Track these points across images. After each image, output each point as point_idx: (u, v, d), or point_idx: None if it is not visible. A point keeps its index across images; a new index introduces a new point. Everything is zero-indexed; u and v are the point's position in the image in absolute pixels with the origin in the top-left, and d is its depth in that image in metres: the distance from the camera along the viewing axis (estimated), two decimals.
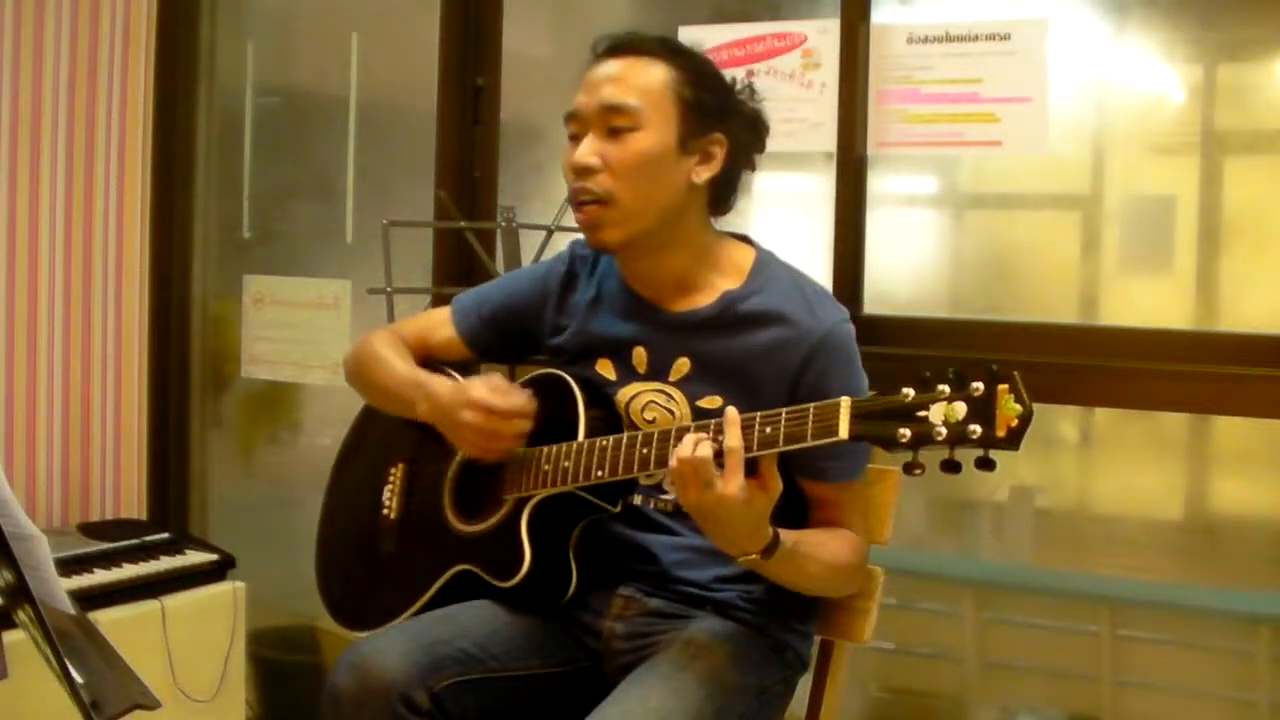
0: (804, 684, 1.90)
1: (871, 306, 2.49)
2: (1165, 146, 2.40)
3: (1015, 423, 1.42)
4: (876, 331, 2.39)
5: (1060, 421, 2.51)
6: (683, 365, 1.80)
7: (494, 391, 1.77)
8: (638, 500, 1.83)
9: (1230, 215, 2.33)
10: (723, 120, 1.78)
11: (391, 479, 1.98)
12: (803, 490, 1.77)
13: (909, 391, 1.47)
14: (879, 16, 2.46)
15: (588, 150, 1.74)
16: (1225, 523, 2.49)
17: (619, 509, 1.81)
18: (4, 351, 2.94)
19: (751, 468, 1.55)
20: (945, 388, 1.46)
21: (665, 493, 1.82)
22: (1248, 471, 2.45)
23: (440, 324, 2.03)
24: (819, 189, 2.50)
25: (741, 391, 1.75)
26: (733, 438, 1.54)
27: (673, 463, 1.57)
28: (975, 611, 2.59)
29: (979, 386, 1.44)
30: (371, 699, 1.65)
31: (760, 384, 1.75)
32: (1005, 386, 1.43)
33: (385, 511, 1.97)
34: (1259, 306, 2.30)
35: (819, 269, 2.40)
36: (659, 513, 1.83)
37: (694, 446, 1.55)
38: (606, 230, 1.76)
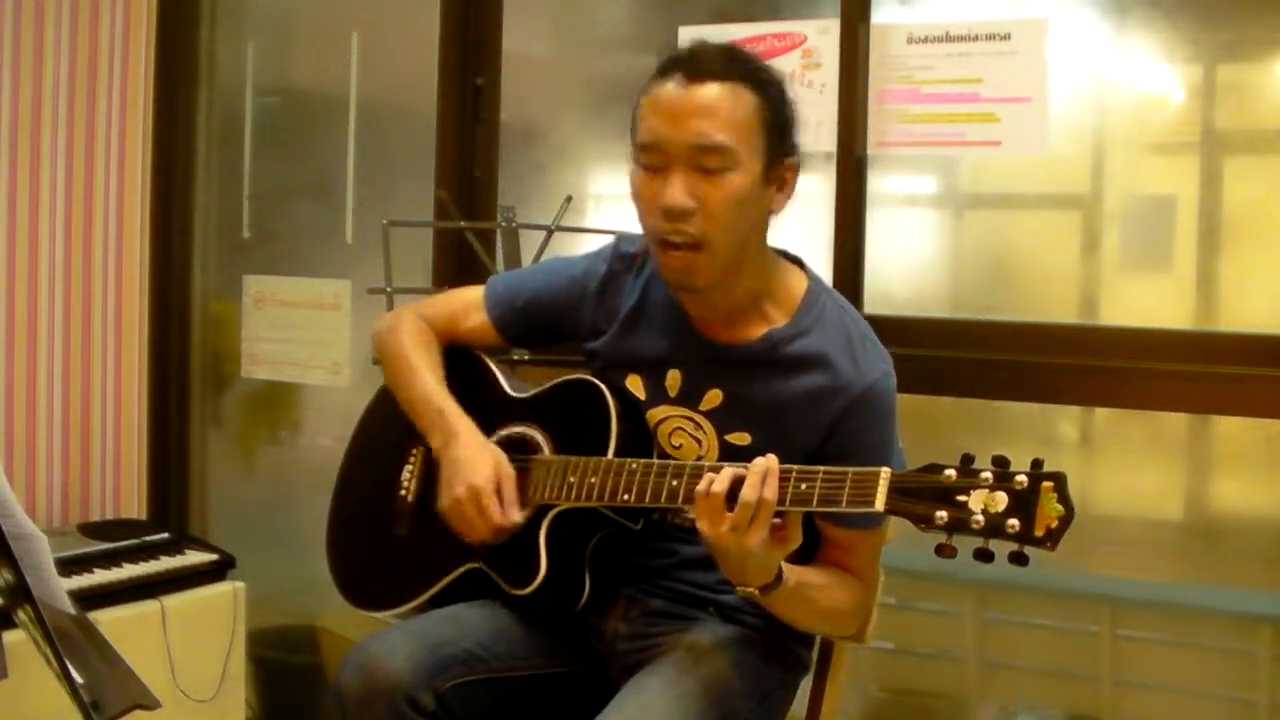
0: (804, 684, 1.90)
1: (871, 306, 2.48)
2: (1165, 146, 2.40)
3: (1055, 523, 1.40)
4: (876, 331, 2.38)
5: (1060, 421, 2.51)
6: (715, 397, 1.76)
7: (497, 492, 1.73)
8: (655, 514, 1.81)
9: (1230, 215, 2.33)
10: (792, 139, 1.71)
11: (412, 459, 1.95)
12: (816, 526, 1.73)
13: (951, 473, 1.46)
14: (879, 16, 2.46)
15: (683, 191, 1.64)
16: (1225, 523, 2.49)
17: (640, 526, 1.80)
18: (4, 351, 2.94)
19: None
20: (988, 475, 1.44)
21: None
22: (1248, 471, 2.45)
23: (472, 308, 1.97)
24: (819, 189, 2.50)
25: (772, 433, 1.72)
26: (769, 489, 1.51)
27: (701, 487, 1.53)
28: (975, 611, 2.59)
29: (1023, 480, 1.42)
30: (377, 699, 1.65)
31: (792, 429, 1.71)
32: (1050, 484, 1.41)
33: (403, 493, 1.94)
34: (1259, 306, 2.30)
35: (819, 269, 2.39)
36: (675, 526, 1.81)
37: (728, 483, 1.52)
38: (699, 276, 1.69)
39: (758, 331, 1.75)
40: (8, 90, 2.90)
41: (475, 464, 1.75)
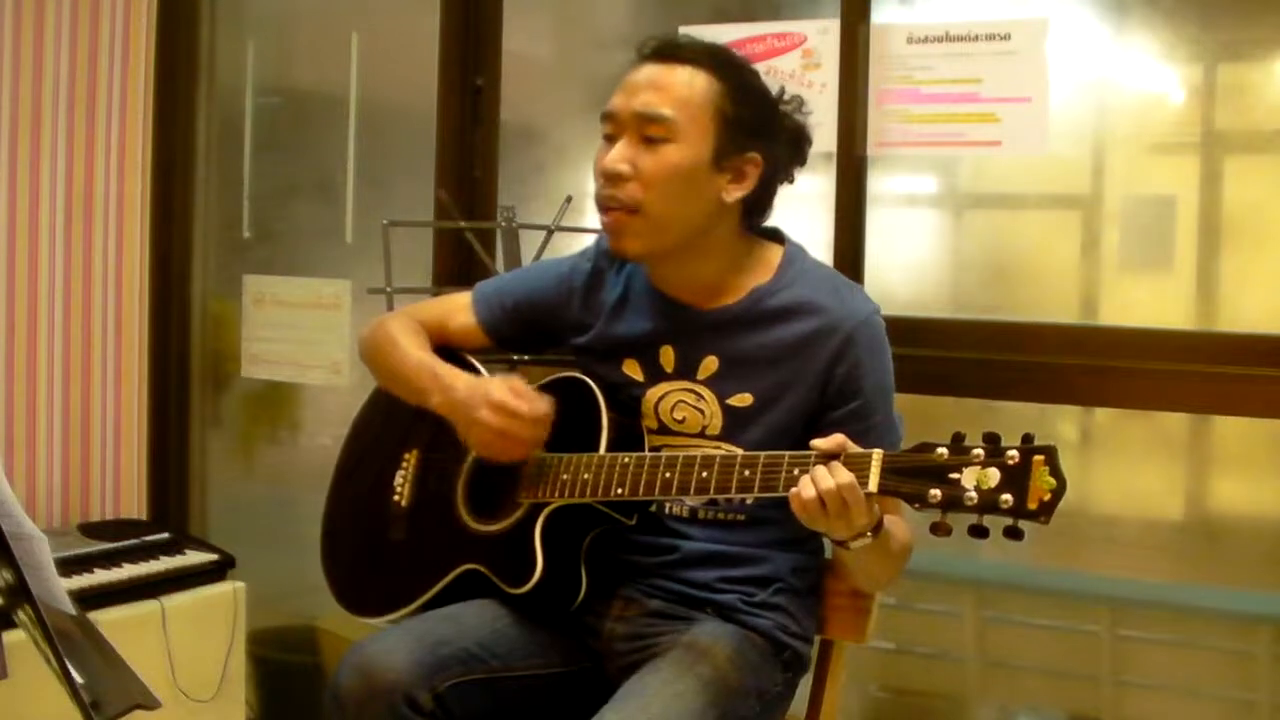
0: (804, 683, 1.90)
1: None
2: (1165, 146, 2.40)
3: (1048, 496, 1.41)
4: None
5: (1060, 421, 2.51)
6: (711, 364, 1.79)
7: (515, 395, 1.74)
8: (653, 506, 1.82)
9: (1230, 215, 2.33)
10: (761, 138, 1.74)
11: (405, 464, 1.96)
12: None
13: (943, 451, 1.47)
14: (879, 16, 2.45)
15: (619, 156, 1.72)
16: (1225, 523, 2.49)
17: (634, 521, 1.80)
18: (4, 351, 2.94)
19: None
20: (980, 452, 1.45)
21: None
22: (1248, 471, 2.45)
23: (460, 310, 2.00)
24: (819, 189, 2.50)
25: (772, 388, 1.75)
26: (841, 475, 1.50)
27: (795, 504, 1.53)
28: (975, 611, 2.59)
29: (1015, 455, 1.43)
30: (375, 699, 1.65)
31: (791, 380, 1.74)
32: (1041, 458, 1.42)
33: (396, 497, 1.95)
34: (1259, 306, 2.30)
35: None
36: (673, 517, 1.82)
37: (814, 491, 1.51)
38: (629, 239, 1.74)
39: (741, 294, 1.79)
40: (8, 90, 2.90)
41: (482, 388, 1.78)
